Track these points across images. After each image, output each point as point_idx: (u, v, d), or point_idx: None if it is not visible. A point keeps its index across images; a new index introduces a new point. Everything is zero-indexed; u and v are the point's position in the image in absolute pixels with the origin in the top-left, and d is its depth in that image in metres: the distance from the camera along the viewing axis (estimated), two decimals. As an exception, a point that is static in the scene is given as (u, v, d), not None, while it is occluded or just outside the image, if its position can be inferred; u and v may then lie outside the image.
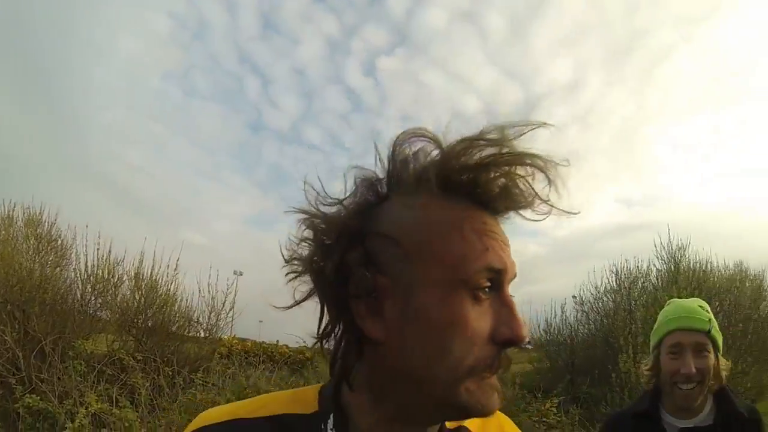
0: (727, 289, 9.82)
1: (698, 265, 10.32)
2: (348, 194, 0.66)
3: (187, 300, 8.60)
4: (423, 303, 0.58)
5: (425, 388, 0.59)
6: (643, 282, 10.45)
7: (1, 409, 5.80)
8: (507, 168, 0.60)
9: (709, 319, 1.67)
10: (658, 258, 10.65)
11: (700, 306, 1.72)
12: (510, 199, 0.62)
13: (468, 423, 0.72)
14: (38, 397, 5.26)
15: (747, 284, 11.05)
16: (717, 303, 9.07)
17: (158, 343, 7.41)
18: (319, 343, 0.68)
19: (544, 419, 6.29)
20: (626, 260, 10.97)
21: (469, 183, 0.61)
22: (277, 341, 12.06)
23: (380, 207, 0.64)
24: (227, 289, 8.75)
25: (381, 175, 0.66)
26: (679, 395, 1.63)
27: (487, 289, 0.59)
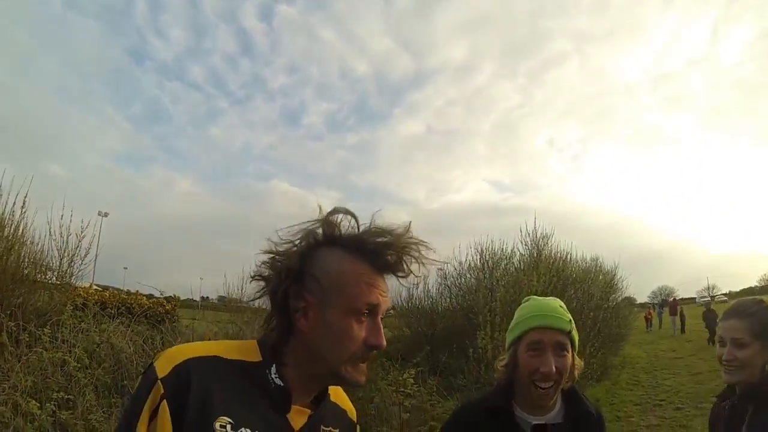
0: (582, 280, 10.65)
1: (558, 254, 11.16)
2: (296, 238, 1.06)
3: (37, 242, 7.80)
4: (330, 317, 1.00)
5: (325, 364, 1.02)
6: (506, 264, 11.13)
7: None
8: (397, 253, 1.02)
9: (570, 320, 1.69)
10: (522, 243, 11.40)
11: (561, 306, 1.74)
12: (394, 269, 1.04)
13: (331, 391, 1.16)
14: None
15: (600, 277, 12.14)
16: (572, 291, 9.85)
17: (2, 292, 6.67)
18: (265, 326, 1.09)
19: (402, 389, 6.48)
20: (492, 241, 11.67)
21: (372, 252, 1.02)
22: (137, 291, 11.46)
23: (316, 250, 1.05)
24: (82, 232, 8.04)
25: (318, 229, 1.06)
26: (536, 393, 1.64)
27: (366, 315, 1.02)
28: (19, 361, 5.41)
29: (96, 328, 6.81)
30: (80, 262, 8.12)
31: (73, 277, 8.10)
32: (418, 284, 11.66)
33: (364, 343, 1.01)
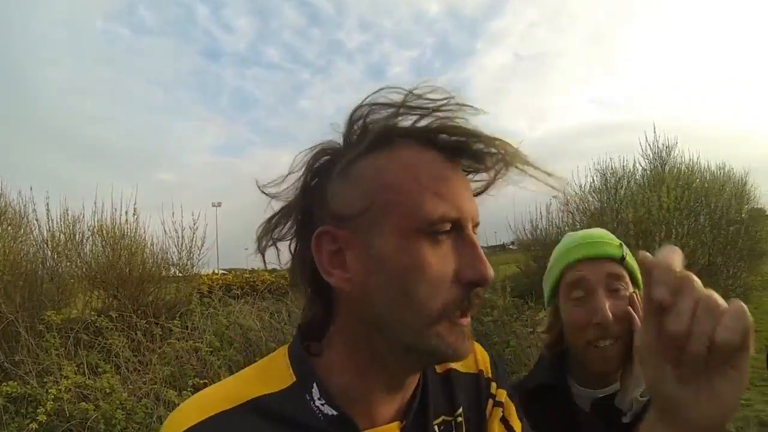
0: (716, 192, 9.41)
1: (683, 165, 10.07)
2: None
3: (155, 243, 8.41)
4: (382, 251, 0.59)
5: (394, 334, 0.61)
6: (628, 182, 10.21)
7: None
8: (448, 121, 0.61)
9: (620, 244, 1.21)
10: (643, 157, 10.46)
11: (607, 233, 1.26)
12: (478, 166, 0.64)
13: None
14: (15, 383, 5.21)
15: (729, 188, 10.50)
16: (705, 204, 8.82)
17: (132, 294, 7.30)
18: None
19: (540, 329, 6.22)
20: (611, 159, 10.69)
21: (426, 130, 0.62)
22: (259, 268, 11.99)
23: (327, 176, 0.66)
24: (194, 224, 8.52)
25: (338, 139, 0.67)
26: (596, 358, 1.14)
27: (445, 233, 0.60)
28: (155, 354, 5.89)
29: (223, 311, 7.23)
30: (198, 252, 8.64)
31: (195, 267, 8.66)
32: (541, 216, 11.14)
33: (458, 279, 0.60)
